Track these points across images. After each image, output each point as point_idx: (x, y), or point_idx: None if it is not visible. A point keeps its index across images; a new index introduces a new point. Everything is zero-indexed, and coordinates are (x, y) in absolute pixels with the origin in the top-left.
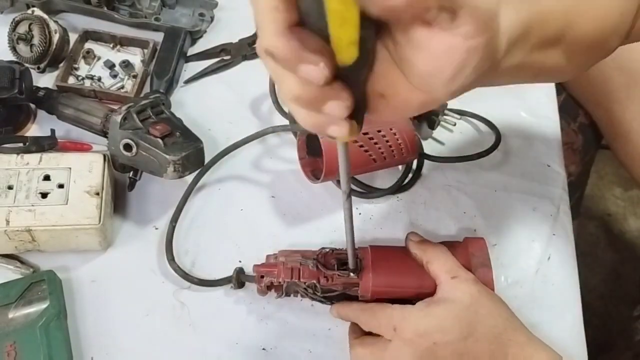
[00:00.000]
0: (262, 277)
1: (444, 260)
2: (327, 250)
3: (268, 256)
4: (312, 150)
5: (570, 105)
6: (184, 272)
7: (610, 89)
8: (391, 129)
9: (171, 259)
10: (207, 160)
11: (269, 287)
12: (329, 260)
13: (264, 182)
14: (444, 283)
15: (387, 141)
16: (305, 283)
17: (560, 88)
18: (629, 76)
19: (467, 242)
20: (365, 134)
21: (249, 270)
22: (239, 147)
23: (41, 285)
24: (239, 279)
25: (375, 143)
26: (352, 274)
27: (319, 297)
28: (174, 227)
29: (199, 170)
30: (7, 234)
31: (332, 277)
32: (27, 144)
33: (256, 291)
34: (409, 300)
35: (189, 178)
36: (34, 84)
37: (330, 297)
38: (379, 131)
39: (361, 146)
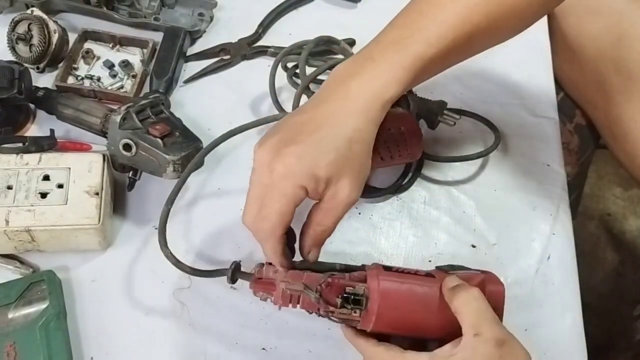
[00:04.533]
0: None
1: (470, 311)
2: (336, 275)
3: (268, 265)
4: None
5: (567, 105)
6: (177, 260)
7: (607, 90)
8: (400, 128)
9: (164, 244)
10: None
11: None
12: (333, 294)
13: None
14: (465, 339)
15: (395, 140)
16: (309, 311)
17: (558, 88)
18: (626, 76)
19: (485, 282)
20: None
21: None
22: (246, 129)
23: (41, 285)
24: (234, 277)
25: (385, 141)
26: (354, 313)
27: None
28: (169, 210)
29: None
30: (6, 234)
31: (333, 312)
32: (27, 144)
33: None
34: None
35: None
36: (34, 84)
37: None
38: (389, 129)
39: None
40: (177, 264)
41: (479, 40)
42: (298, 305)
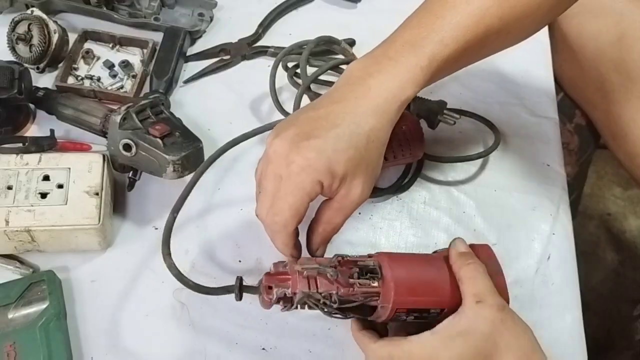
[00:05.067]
0: (270, 287)
1: (474, 282)
2: (345, 256)
3: (276, 264)
4: None
5: (567, 105)
6: (178, 272)
7: (607, 90)
8: (402, 127)
9: (167, 253)
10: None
11: (278, 300)
12: (349, 268)
13: None
14: (466, 307)
15: (398, 139)
16: (322, 294)
17: (558, 88)
18: (625, 76)
19: (474, 250)
20: None
21: (249, 274)
22: (251, 136)
23: (41, 285)
24: (241, 290)
25: (389, 141)
26: (373, 283)
27: (334, 309)
28: (174, 219)
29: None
30: (6, 234)
31: (353, 285)
32: (27, 144)
33: (259, 302)
34: (429, 312)
35: (189, 177)
36: (34, 84)
37: (345, 309)
38: (392, 129)
39: None
40: (179, 276)
41: (491, 41)
42: (318, 290)
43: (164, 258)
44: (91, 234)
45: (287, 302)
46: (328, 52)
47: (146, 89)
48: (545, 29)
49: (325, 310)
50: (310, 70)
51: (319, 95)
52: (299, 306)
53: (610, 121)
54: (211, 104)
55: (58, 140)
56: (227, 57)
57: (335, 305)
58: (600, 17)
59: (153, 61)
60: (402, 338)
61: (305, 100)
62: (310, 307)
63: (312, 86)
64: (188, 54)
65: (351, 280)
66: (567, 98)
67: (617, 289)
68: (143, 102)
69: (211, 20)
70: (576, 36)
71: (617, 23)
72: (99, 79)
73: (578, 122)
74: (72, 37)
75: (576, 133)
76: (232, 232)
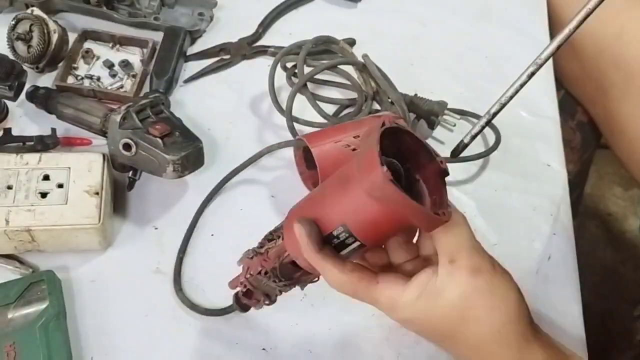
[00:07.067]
0: (237, 294)
1: (448, 239)
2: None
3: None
4: (310, 164)
5: (569, 102)
6: (192, 304)
7: (606, 86)
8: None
9: (179, 289)
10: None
11: (245, 295)
12: (262, 243)
13: (264, 182)
14: (441, 268)
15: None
16: (259, 273)
17: (559, 85)
18: (625, 72)
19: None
20: (347, 146)
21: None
22: (238, 172)
23: (40, 285)
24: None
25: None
26: (278, 241)
27: (287, 283)
28: (181, 259)
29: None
30: (6, 234)
31: (266, 252)
32: (33, 143)
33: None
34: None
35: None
36: (34, 83)
37: (292, 278)
38: (357, 137)
39: (354, 150)
40: (192, 306)
41: None
42: (251, 274)
43: (176, 294)
44: (91, 233)
45: (252, 296)
46: (327, 51)
47: (146, 88)
48: (546, 27)
49: (280, 284)
50: (308, 70)
51: (314, 94)
52: (274, 297)
53: (609, 117)
54: (211, 103)
55: (59, 138)
56: (227, 56)
57: (284, 280)
58: (598, 11)
59: (153, 61)
60: (373, 283)
61: (299, 98)
62: (280, 291)
63: (310, 86)
64: (188, 53)
65: (261, 249)
66: (568, 95)
67: (617, 289)
68: (143, 101)
69: (211, 19)
70: (576, 32)
71: (614, 18)
72: (98, 79)
73: (580, 119)
74: (72, 37)
75: (578, 130)
76: (231, 232)
